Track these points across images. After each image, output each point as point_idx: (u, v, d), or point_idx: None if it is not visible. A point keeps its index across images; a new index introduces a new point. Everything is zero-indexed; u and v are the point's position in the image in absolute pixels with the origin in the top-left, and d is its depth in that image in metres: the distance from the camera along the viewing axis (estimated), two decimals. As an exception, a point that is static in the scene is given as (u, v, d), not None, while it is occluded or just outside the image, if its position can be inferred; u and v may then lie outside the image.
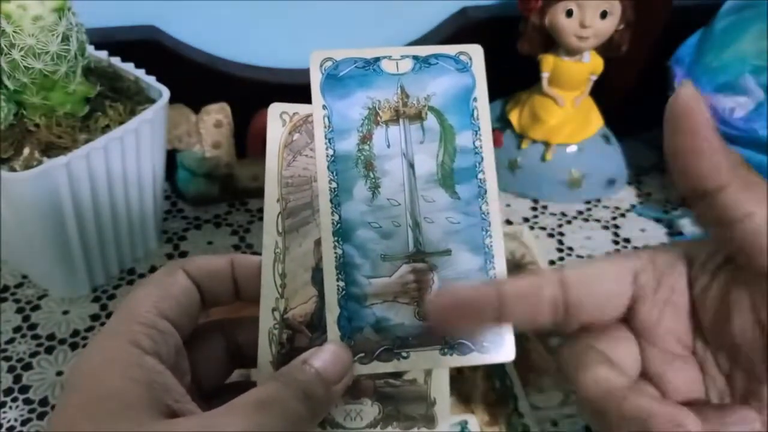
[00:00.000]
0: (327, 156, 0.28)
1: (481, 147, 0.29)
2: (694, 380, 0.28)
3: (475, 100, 0.29)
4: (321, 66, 0.29)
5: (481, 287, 0.28)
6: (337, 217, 0.28)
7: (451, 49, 0.29)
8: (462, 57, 0.29)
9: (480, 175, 0.29)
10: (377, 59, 0.29)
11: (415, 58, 0.29)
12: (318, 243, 0.29)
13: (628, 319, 0.29)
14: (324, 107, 0.29)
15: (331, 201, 0.28)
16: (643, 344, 0.29)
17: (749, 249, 0.25)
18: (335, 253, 0.28)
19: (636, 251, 0.30)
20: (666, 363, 0.29)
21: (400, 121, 0.29)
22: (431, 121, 0.29)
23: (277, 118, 0.30)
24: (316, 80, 0.29)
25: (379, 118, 0.29)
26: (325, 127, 0.28)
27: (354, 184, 0.28)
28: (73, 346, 0.47)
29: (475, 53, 0.29)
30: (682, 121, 0.25)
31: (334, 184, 0.28)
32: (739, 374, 0.27)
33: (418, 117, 0.29)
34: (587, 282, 0.28)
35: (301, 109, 0.30)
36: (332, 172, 0.28)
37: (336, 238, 0.28)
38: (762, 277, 0.25)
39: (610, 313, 0.29)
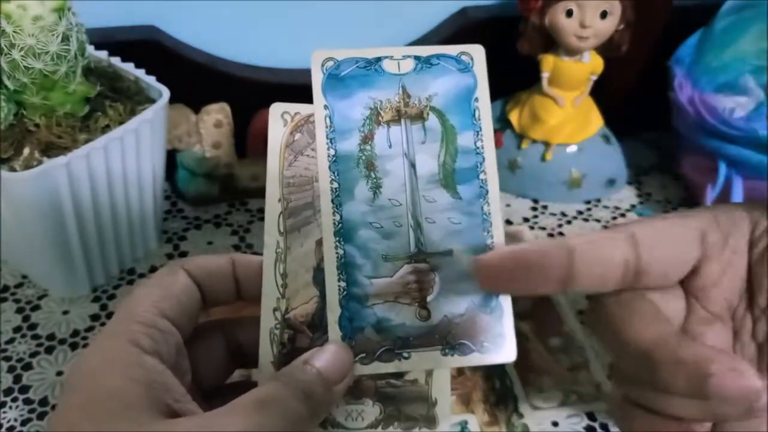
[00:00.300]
0: (328, 156, 0.28)
1: (482, 147, 0.29)
2: (726, 345, 0.28)
3: (476, 100, 0.29)
4: (322, 66, 0.29)
5: (549, 248, 0.27)
6: (338, 217, 0.28)
7: (452, 50, 0.29)
8: (463, 57, 0.29)
9: (481, 176, 0.29)
10: (379, 59, 0.29)
11: (417, 58, 0.29)
12: (319, 243, 0.29)
13: (685, 278, 0.29)
14: (325, 107, 0.29)
15: (332, 201, 0.28)
16: (691, 302, 0.29)
17: None
18: (336, 253, 0.28)
19: (698, 210, 0.29)
20: (707, 323, 0.28)
21: (402, 121, 0.29)
22: (433, 121, 0.29)
23: (279, 118, 0.30)
24: (317, 80, 0.29)
25: (380, 118, 0.29)
26: (326, 127, 0.28)
27: (355, 185, 0.28)
28: (73, 346, 0.47)
29: (477, 53, 0.29)
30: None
31: (335, 184, 0.28)
32: None
33: (420, 117, 0.29)
34: (657, 243, 0.27)
35: (303, 109, 0.30)
36: (333, 172, 0.28)
37: (337, 239, 0.28)
38: None
39: (675, 276, 0.28)
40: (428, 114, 0.29)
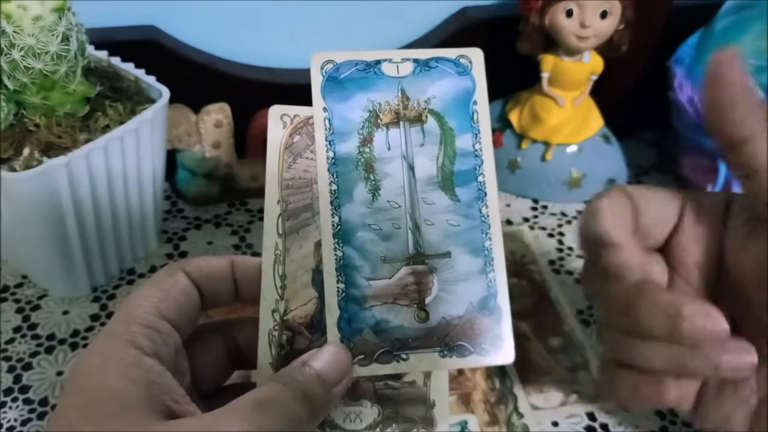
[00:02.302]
0: (327, 158, 0.28)
1: (480, 150, 0.29)
2: None
3: (475, 103, 0.29)
4: (322, 68, 0.29)
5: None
6: (337, 219, 0.28)
7: (451, 53, 0.29)
8: (462, 60, 0.29)
9: (480, 178, 0.29)
10: (378, 62, 0.29)
11: (416, 61, 0.29)
12: (318, 245, 0.29)
13: (664, 248, 0.32)
14: (325, 109, 0.29)
15: (331, 203, 0.28)
16: (672, 275, 0.32)
17: (763, 198, 0.27)
18: (335, 254, 0.28)
19: (681, 189, 0.32)
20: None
21: (401, 123, 0.29)
22: (431, 123, 0.29)
23: (278, 120, 0.30)
24: (316, 82, 0.29)
25: (379, 121, 0.29)
26: (325, 129, 0.29)
27: (354, 187, 0.28)
28: (73, 346, 0.47)
29: (476, 56, 0.29)
30: (716, 78, 0.28)
31: (334, 186, 0.28)
32: (749, 323, 0.29)
33: (419, 120, 0.29)
34: (644, 200, 0.31)
35: (302, 111, 0.30)
36: (333, 175, 0.28)
37: (336, 240, 0.28)
38: None
39: (655, 237, 0.32)
40: (427, 117, 0.29)
